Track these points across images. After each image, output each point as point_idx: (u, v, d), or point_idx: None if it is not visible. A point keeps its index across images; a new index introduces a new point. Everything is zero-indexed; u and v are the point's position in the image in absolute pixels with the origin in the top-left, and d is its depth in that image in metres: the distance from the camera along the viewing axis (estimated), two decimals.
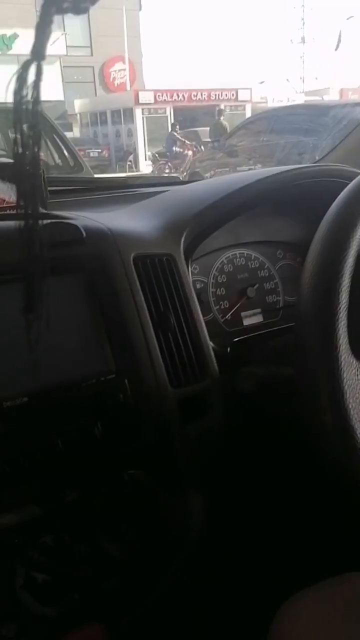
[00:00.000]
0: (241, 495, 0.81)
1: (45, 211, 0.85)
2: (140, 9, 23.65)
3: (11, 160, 1.13)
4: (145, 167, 18.47)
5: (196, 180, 1.38)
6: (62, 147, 3.79)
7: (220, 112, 13.28)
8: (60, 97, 20.12)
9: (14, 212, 0.94)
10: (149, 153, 19.23)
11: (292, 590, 0.63)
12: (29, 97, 0.39)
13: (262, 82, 22.40)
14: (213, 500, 0.73)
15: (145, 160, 19.21)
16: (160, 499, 0.67)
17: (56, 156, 3.90)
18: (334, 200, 0.64)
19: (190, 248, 0.84)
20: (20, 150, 0.41)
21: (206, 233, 0.86)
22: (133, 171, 18.27)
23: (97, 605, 0.63)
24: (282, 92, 21.62)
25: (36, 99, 0.39)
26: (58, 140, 3.84)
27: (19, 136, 0.40)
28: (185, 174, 9.45)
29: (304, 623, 0.59)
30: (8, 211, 1.00)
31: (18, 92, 0.38)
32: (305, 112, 7.24)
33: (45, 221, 0.70)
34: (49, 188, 1.03)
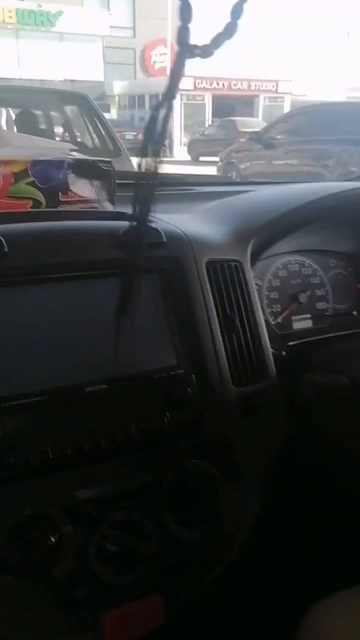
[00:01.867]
0: (292, 497, 0.86)
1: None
2: None
3: (85, 157, 1.17)
4: (180, 153, 18.44)
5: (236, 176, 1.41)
6: (102, 130, 3.79)
7: None
8: (101, 78, 20.10)
9: (87, 208, 1.00)
10: (184, 139, 19.19)
11: (321, 594, 0.68)
12: (158, 131, 0.44)
13: (302, 76, 22.07)
14: (270, 496, 0.79)
15: (181, 146, 19.17)
16: (220, 488, 0.73)
17: (96, 139, 3.91)
18: None
19: (255, 255, 0.89)
20: (143, 169, 0.47)
21: (272, 242, 0.91)
22: (167, 156, 18.28)
23: (159, 579, 0.70)
24: (323, 87, 21.30)
25: (163, 133, 0.44)
26: (99, 123, 3.84)
27: (144, 159, 0.46)
28: (220, 163, 9.40)
29: (330, 627, 0.65)
30: (79, 206, 1.06)
31: (149, 128, 0.44)
32: (349, 110, 7.15)
33: (133, 223, 0.77)
34: (127, 180, 1.08)
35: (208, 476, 0.73)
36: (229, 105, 19.55)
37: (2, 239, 0.68)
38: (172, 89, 0.44)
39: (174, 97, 0.44)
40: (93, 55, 19.60)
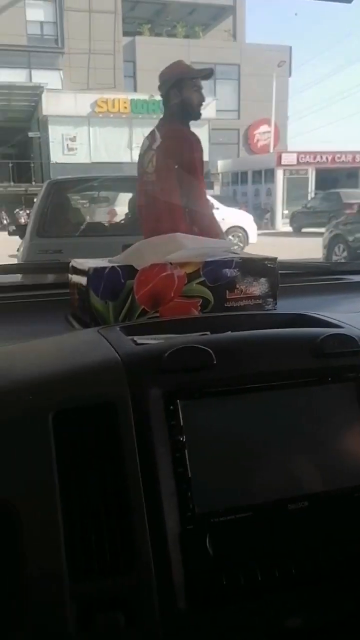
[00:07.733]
0: None
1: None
2: (289, 75, 24.45)
3: (250, 255, 1.16)
4: (282, 226, 18.68)
5: None
6: None
7: None
8: (206, 158, 21.14)
9: (251, 304, 0.99)
10: (286, 212, 19.45)
11: None
12: None
13: None
14: None
15: (282, 218, 19.43)
16: None
17: None
18: None
19: None
20: None
21: None
22: (269, 229, 18.57)
23: None
24: None
25: None
26: None
27: None
28: (326, 234, 9.33)
29: None
30: (244, 302, 1.05)
31: None
32: None
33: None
34: (280, 271, 1.07)
35: None
36: (333, 178, 19.69)
37: (210, 350, 0.68)
38: None
39: None
40: (200, 138, 20.79)
